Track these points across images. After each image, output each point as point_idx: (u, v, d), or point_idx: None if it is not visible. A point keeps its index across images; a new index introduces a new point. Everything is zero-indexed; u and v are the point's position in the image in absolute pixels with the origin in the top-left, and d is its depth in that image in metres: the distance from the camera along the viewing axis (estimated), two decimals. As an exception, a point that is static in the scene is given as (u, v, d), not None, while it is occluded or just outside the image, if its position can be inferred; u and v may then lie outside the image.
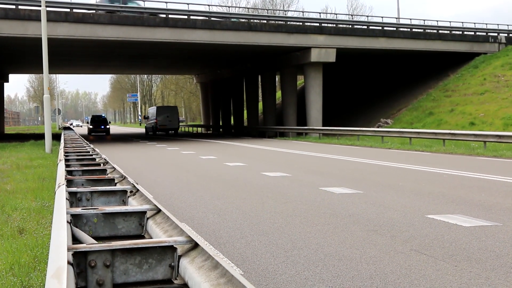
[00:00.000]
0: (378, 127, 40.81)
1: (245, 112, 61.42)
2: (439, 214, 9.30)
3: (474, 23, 50.34)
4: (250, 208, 10.32)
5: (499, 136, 24.52)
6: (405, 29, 46.11)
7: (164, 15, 38.25)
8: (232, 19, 40.79)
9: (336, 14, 53.32)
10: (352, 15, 57.92)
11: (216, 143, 37.36)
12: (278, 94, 63.08)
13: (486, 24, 50.62)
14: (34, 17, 33.26)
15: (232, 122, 63.32)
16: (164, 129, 58.42)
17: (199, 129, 73.52)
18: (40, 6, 30.15)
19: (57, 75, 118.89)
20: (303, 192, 12.37)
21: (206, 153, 26.22)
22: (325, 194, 12.05)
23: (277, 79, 60.51)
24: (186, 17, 38.98)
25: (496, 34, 49.08)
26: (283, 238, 7.73)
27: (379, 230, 8.19)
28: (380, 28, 45.03)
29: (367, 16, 51.20)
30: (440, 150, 25.55)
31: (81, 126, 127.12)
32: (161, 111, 58.79)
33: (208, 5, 45.72)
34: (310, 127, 42.42)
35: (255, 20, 41.76)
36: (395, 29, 45.67)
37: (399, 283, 5.64)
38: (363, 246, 7.18)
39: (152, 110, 61.36)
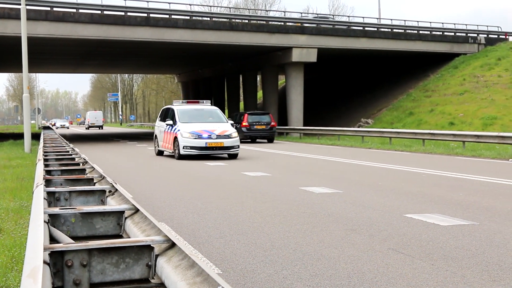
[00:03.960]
0: (358, 127, 40.98)
1: (226, 111, 61.42)
2: (417, 213, 9.38)
3: (454, 24, 50.64)
4: (229, 207, 10.34)
5: (478, 136, 24.72)
6: (386, 30, 46.32)
7: (145, 14, 38.14)
8: (214, 19, 40.77)
9: (317, 14, 53.46)
10: (333, 15, 58.10)
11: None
12: (260, 93, 63.13)
13: (466, 25, 50.94)
14: (14, 15, 33.04)
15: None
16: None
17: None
18: (19, 4, 29.96)
19: (37, 74, 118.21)
20: (283, 192, 12.42)
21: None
22: (304, 193, 12.10)
23: (258, 78, 60.53)
24: (167, 16, 38.91)
25: (475, 35, 49.43)
26: (262, 237, 7.76)
27: (357, 229, 8.24)
28: (361, 28, 45.20)
29: (349, 17, 51.41)
30: (419, 150, 25.71)
31: (68, 127, 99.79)
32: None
33: (190, 5, 45.55)
34: (291, 127, 42.52)
35: (236, 20, 41.76)
36: (376, 29, 45.86)
37: (376, 282, 5.68)
38: (342, 245, 7.23)
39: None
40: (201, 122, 22.82)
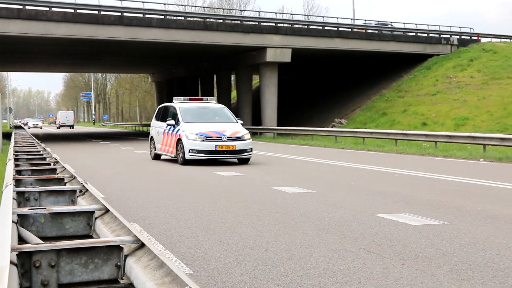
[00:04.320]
0: (332, 127, 41.15)
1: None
2: (388, 213, 9.44)
3: (427, 25, 51.04)
4: (202, 207, 10.33)
5: (450, 137, 24.95)
6: (360, 30, 46.56)
7: (119, 13, 37.95)
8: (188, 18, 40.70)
9: (292, 14, 53.58)
10: (308, 16, 58.26)
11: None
12: (234, 93, 63.14)
13: (439, 26, 51.40)
14: (-15, 13, 32.72)
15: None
16: None
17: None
18: (-9, 2, 29.67)
19: (8, 72, 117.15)
20: (255, 192, 12.43)
21: (160, 153, 26.06)
22: (277, 193, 12.12)
23: (232, 78, 60.54)
24: (141, 15, 38.79)
25: (448, 36, 49.88)
26: (234, 237, 7.77)
27: (329, 229, 8.28)
28: (336, 28, 45.40)
29: (323, 17, 51.59)
30: (392, 150, 25.89)
31: (41, 127, 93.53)
32: None
33: (164, 4, 45.37)
34: (265, 127, 42.58)
35: (211, 20, 41.73)
36: (350, 30, 46.10)
37: (346, 281, 5.72)
38: (313, 245, 7.26)
39: None
40: (207, 122, 20.20)
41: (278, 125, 44.34)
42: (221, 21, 42.14)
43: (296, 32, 43.06)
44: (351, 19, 54.42)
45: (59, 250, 3.52)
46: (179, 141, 19.64)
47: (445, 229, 8.19)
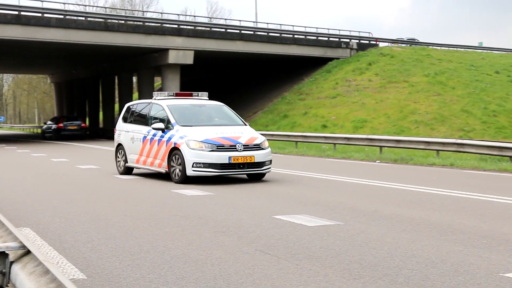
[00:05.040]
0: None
1: (101, 113, 60.32)
2: (285, 214, 9.56)
3: (328, 29, 52.04)
4: (99, 211, 10.17)
5: (348, 139, 25.55)
6: (262, 33, 46.98)
7: (16, 12, 36.85)
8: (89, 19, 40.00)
9: (195, 16, 53.55)
10: (211, 18, 58.36)
11: (69, 145, 36.44)
12: (136, 95, 62.45)
13: (339, 30, 52.48)
14: None
15: (87, 123, 62.01)
16: None
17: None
18: None
19: None
20: (155, 195, 12.36)
21: (57, 156, 25.53)
22: (177, 196, 12.09)
23: (134, 80, 59.87)
24: (40, 14, 37.81)
25: (348, 40, 50.98)
26: (130, 241, 7.69)
27: (227, 231, 8.32)
28: (238, 31, 45.64)
29: (225, 19, 51.89)
30: (292, 152, 26.26)
31: None
32: None
33: (64, 3, 44.39)
34: (167, 129, 42.25)
35: (112, 20, 41.15)
36: (252, 32, 46.44)
37: (241, 283, 5.76)
38: (210, 248, 7.27)
39: None
40: (209, 125, 15.48)
41: (180, 127, 44.06)
42: (123, 22, 41.65)
43: (198, 34, 43.04)
44: (254, 22, 54.81)
45: None
46: (173, 151, 14.60)
47: (339, 229, 8.38)
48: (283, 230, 8.31)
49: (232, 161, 14.19)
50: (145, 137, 15.82)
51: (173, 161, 14.61)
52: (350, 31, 53.02)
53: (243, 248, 7.26)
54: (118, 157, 17.15)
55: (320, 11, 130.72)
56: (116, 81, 55.64)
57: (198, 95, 16.94)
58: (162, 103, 15.92)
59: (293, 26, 50.53)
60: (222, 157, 14.16)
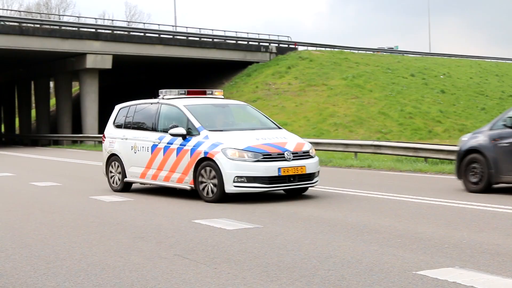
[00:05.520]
0: (155, 134, 41.00)
1: (17, 119, 58.87)
2: (205, 218, 9.56)
3: (247, 33, 52.36)
4: (14, 220, 9.92)
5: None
6: (182, 37, 46.84)
7: None
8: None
9: (113, 20, 53.00)
10: (129, 22, 57.78)
11: (-16, 152, 35.41)
12: (53, 101, 61.26)
13: (259, 34, 52.88)
14: None
15: (2, 130, 60.45)
16: None
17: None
18: None
19: None
20: (72, 202, 12.15)
21: (-28, 163, 24.78)
22: (95, 202, 11.93)
23: (52, 85, 58.69)
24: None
25: (267, 44, 51.34)
26: (46, 249, 7.53)
27: (145, 236, 8.25)
28: (157, 35, 45.39)
29: (144, 23, 51.43)
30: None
31: None
32: None
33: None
34: (86, 135, 41.70)
35: (28, 24, 40.26)
36: (171, 36, 46.25)
37: (159, 289, 5.74)
38: (128, 254, 7.20)
39: None
40: (239, 129, 12.88)
41: (99, 133, 43.45)
42: (38, 25, 40.84)
43: (117, 39, 42.59)
44: (173, 26, 54.61)
45: None
46: (203, 162, 11.82)
47: (258, 232, 8.43)
48: (202, 234, 8.31)
49: (282, 173, 11.59)
50: (155, 145, 12.89)
51: (203, 175, 11.75)
52: (269, 35, 53.49)
53: (161, 253, 7.22)
54: (111, 171, 14.08)
55: (240, 15, 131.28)
56: (33, 86, 54.42)
57: (212, 93, 14.26)
58: (176, 103, 13.15)
59: (212, 30, 50.66)
60: (271, 168, 11.51)
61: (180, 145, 12.29)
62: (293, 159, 11.76)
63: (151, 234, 8.41)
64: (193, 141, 12.08)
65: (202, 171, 11.77)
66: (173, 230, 8.66)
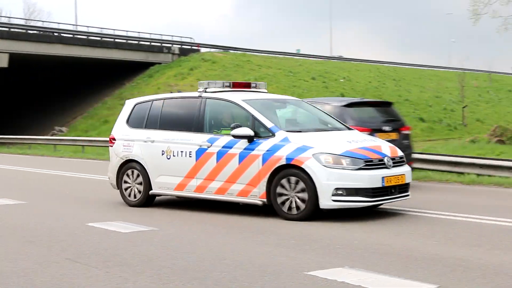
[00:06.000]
0: (52, 135, 40.01)
1: None
2: (100, 221, 9.38)
3: (150, 34, 51.87)
4: None
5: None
6: (82, 36, 45.94)
7: None
8: None
9: (10, 17, 51.37)
10: (28, 20, 56.23)
11: None
12: None
13: (161, 35, 52.44)
14: None
15: None
16: None
17: None
18: None
19: None
20: (-39, 205, 11.69)
21: None
22: (-15, 205, 11.52)
23: None
24: None
25: (170, 45, 51.01)
26: None
27: (36, 240, 8.03)
28: (57, 34, 44.34)
29: (43, 22, 50.18)
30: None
31: None
32: None
33: None
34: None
35: None
36: (72, 36, 45.29)
37: (47, 294, 5.60)
38: (16, 258, 6.99)
39: None
40: (315, 130, 10.48)
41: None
42: None
43: (14, 37, 41.31)
44: (74, 25, 53.47)
45: None
46: (283, 170, 9.52)
47: (154, 235, 8.36)
48: (96, 238, 8.17)
49: (386, 183, 9.52)
50: (202, 149, 10.31)
51: (286, 187, 9.45)
52: (172, 36, 53.18)
53: (52, 257, 7.05)
54: (127, 181, 11.32)
55: (142, 15, 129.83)
56: None
57: (256, 86, 11.79)
58: (230, 97, 10.65)
59: (114, 30, 49.97)
60: (375, 178, 9.41)
61: (245, 149, 9.88)
62: (393, 166, 9.80)
63: (42, 238, 8.20)
64: (266, 144, 9.72)
65: (283, 182, 9.49)
66: (66, 234, 8.47)
